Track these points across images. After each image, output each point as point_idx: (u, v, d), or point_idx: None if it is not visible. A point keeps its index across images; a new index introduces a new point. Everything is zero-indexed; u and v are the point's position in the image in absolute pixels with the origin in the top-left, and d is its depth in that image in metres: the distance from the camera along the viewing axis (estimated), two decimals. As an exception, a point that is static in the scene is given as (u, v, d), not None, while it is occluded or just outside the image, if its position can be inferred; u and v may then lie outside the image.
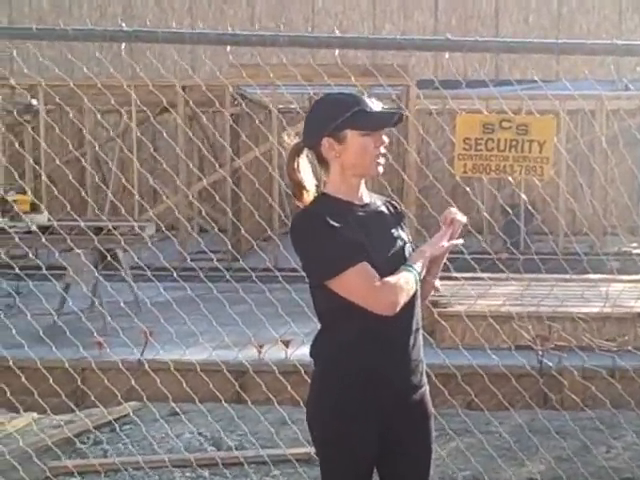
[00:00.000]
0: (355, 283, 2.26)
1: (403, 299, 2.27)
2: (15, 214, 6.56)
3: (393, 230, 2.42)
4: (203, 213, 10.39)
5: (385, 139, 2.37)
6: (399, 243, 2.40)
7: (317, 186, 2.46)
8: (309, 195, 2.44)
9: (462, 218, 2.43)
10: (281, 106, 11.04)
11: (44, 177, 9.88)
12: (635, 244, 12.01)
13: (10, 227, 6.26)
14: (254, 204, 8.11)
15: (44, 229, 6.39)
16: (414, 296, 2.37)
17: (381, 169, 2.38)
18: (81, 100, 10.09)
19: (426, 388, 2.51)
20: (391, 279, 2.27)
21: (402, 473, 2.47)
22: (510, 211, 5.97)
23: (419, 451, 2.48)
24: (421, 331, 2.47)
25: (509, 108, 8.78)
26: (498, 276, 6.22)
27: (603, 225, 11.58)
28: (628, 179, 10.00)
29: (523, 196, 5.99)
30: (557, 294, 6.39)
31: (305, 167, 2.44)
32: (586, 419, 4.83)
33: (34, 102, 9.78)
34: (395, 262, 2.33)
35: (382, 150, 2.36)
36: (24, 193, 8.07)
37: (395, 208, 2.52)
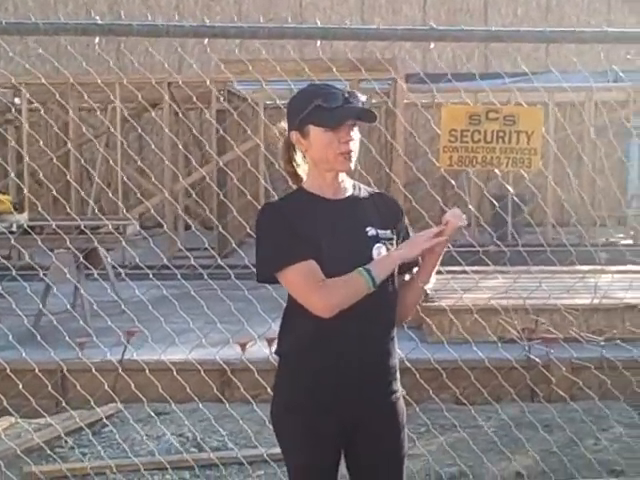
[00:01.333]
0: (295, 281, 2.21)
1: (342, 302, 2.17)
2: (-5, 214, 6.47)
3: (369, 228, 2.30)
4: (192, 213, 10.33)
5: (353, 135, 2.26)
6: (369, 242, 2.28)
7: None
8: None
9: (460, 221, 2.27)
10: (268, 102, 10.96)
11: (26, 176, 9.80)
12: (622, 235, 11.98)
13: (-11, 227, 6.18)
14: (240, 200, 8.04)
15: (25, 229, 6.31)
16: (382, 298, 2.26)
17: (351, 165, 2.28)
18: (66, 98, 10.01)
19: (397, 396, 2.37)
20: (331, 280, 2.18)
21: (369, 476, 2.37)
22: (496, 203, 5.89)
23: (386, 461, 2.36)
24: (394, 336, 2.36)
25: (498, 101, 8.74)
26: (485, 269, 6.15)
27: (592, 216, 11.55)
28: (616, 170, 9.97)
29: (509, 188, 5.90)
30: (545, 286, 6.33)
31: (299, 158, 2.39)
32: (574, 412, 4.77)
33: (17, 101, 9.67)
34: (357, 262, 2.22)
35: (351, 146, 2.25)
36: (5, 193, 7.97)
37: (386, 204, 2.41)
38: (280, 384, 2.35)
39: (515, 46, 13.50)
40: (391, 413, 2.35)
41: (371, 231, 2.30)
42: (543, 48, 14.45)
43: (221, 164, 8.17)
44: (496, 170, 4.93)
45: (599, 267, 7.19)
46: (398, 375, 2.39)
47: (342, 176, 2.34)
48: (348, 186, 2.36)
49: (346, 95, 2.23)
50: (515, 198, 10.34)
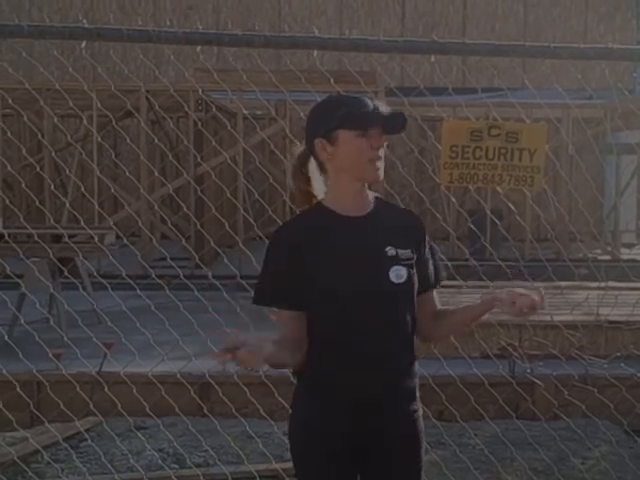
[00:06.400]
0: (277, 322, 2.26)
1: None
2: (-32, 221, 6.29)
3: (389, 247, 2.21)
4: (168, 223, 10.18)
5: (382, 141, 2.20)
6: (387, 264, 2.20)
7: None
8: None
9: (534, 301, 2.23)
10: (246, 112, 10.87)
11: None
12: (599, 250, 12.06)
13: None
14: (218, 211, 7.91)
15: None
16: (395, 317, 2.21)
17: (381, 174, 2.22)
18: (39, 104, 9.84)
19: (418, 415, 2.30)
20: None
21: None
22: (468, 218, 5.84)
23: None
24: (414, 354, 2.28)
25: (475, 117, 8.75)
26: (466, 284, 6.12)
27: (568, 232, 11.61)
28: (592, 186, 10.03)
29: (484, 203, 5.86)
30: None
31: (314, 175, 2.31)
32: (560, 429, 4.73)
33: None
34: (373, 285, 2.18)
35: (380, 153, 2.19)
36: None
37: (409, 221, 2.33)
38: (297, 403, 2.28)
39: (492, 62, 13.61)
40: (410, 432, 2.28)
41: (391, 251, 2.21)
42: (520, 65, 14.56)
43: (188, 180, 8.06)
44: (498, 188, 4.85)
45: (577, 283, 7.15)
46: (418, 394, 2.32)
47: (365, 190, 2.27)
48: (370, 200, 2.28)
49: (375, 103, 2.21)
50: (488, 212, 10.39)
